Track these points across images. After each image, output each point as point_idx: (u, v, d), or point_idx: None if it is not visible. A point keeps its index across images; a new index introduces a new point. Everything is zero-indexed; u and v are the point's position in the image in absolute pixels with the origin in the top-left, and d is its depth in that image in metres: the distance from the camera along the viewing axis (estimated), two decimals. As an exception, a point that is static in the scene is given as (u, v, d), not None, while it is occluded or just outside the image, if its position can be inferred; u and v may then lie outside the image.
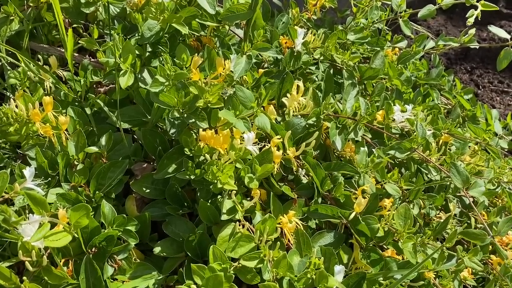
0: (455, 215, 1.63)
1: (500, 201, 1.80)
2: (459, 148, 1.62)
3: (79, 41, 1.46)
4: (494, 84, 3.16)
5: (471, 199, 1.72)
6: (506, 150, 2.09)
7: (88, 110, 1.39)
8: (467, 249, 1.38)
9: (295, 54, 1.49)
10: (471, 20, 1.43)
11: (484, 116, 2.21)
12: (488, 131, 1.97)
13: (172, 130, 1.21)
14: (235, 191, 1.15)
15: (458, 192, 1.69)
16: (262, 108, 1.30)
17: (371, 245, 1.27)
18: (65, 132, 1.23)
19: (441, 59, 3.29)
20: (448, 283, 1.30)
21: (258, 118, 1.17)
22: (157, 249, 1.17)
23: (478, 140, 1.52)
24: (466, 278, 1.41)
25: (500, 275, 1.41)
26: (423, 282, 1.28)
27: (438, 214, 1.58)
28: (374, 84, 1.72)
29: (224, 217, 1.14)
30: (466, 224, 1.61)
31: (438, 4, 1.59)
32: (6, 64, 1.36)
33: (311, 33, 1.52)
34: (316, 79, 1.70)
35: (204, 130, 1.20)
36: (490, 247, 1.50)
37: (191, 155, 1.21)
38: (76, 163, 1.23)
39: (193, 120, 1.18)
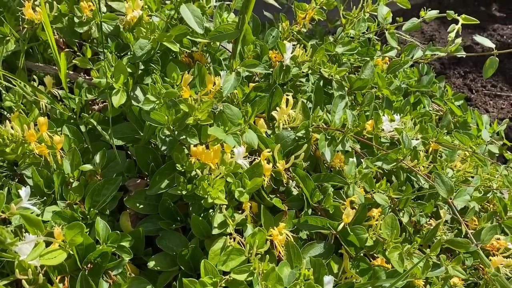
0: (446, 221, 1.66)
1: (491, 206, 1.83)
2: (448, 156, 1.65)
3: (73, 61, 1.50)
4: (487, 88, 3.19)
5: (462, 205, 1.76)
6: (497, 154, 2.12)
7: (83, 128, 1.43)
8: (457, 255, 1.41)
9: (284, 68, 1.53)
10: (452, 35, 1.47)
11: (475, 122, 2.24)
12: (479, 137, 1.99)
13: (164, 147, 1.24)
14: (225, 206, 1.19)
15: (450, 198, 1.72)
16: (252, 123, 1.33)
17: (361, 254, 1.30)
18: (60, 151, 1.27)
19: (434, 64, 3.34)
20: (438, 289, 1.33)
21: (246, 134, 1.21)
22: (151, 264, 1.20)
23: (465, 148, 1.55)
24: (456, 284, 1.44)
25: (491, 280, 1.44)
26: (412, 289, 1.31)
27: (429, 221, 1.60)
28: (364, 94, 1.75)
29: (215, 231, 1.17)
30: (456, 230, 1.64)
31: (422, 17, 1.62)
32: (1, 88, 1.40)
33: (299, 47, 1.56)
34: (307, 90, 1.73)
35: (195, 146, 1.23)
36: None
37: (182, 170, 1.24)
38: (71, 181, 1.26)
39: (184, 136, 1.22)
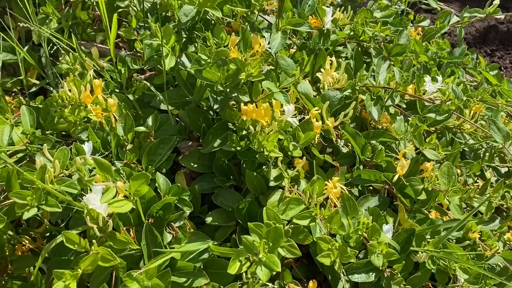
0: (491, 183, 1.65)
1: (535, 169, 1.81)
2: (492, 116, 1.63)
3: (118, 32, 1.53)
4: (516, 64, 3.15)
5: (506, 169, 1.74)
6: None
7: (131, 97, 1.45)
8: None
9: (325, 32, 1.54)
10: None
11: None
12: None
13: (216, 106, 1.26)
14: (281, 159, 1.19)
15: (493, 162, 1.71)
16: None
17: (416, 207, 1.29)
18: (114, 114, 1.29)
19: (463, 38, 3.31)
20: (494, 242, 1.31)
21: (300, 85, 1.21)
22: (209, 219, 1.21)
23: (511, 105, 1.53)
24: (510, 239, 1.42)
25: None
26: (468, 242, 1.30)
27: (476, 181, 1.59)
28: (402, 61, 1.75)
29: (272, 183, 1.18)
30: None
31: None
32: (61, 50, 1.44)
33: (340, 11, 1.56)
34: (344, 59, 1.74)
35: (245, 104, 1.24)
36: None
37: (235, 129, 1.25)
38: (126, 143, 1.28)
39: (236, 94, 1.23)
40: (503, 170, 1.73)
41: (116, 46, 1.83)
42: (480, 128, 1.40)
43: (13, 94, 1.76)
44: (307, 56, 1.50)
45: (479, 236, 1.32)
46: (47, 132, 1.44)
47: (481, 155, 1.66)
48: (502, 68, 3.13)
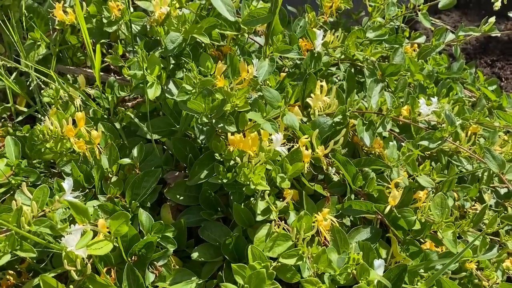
0: (490, 206, 1.60)
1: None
2: (489, 138, 1.59)
3: (104, 59, 1.51)
4: (517, 75, 3.11)
5: (506, 190, 1.69)
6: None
7: (117, 125, 1.42)
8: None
9: (316, 55, 1.50)
10: (497, 4, 1.42)
11: (511, 106, 2.18)
12: (518, 119, 1.93)
13: (202, 137, 1.23)
14: (268, 192, 1.16)
15: (492, 183, 1.66)
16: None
17: (409, 238, 1.25)
18: (98, 146, 1.26)
19: (460, 53, 3.27)
20: (491, 273, 1.27)
21: (286, 116, 1.18)
22: (195, 255, 1.18)
23: (509, 127, 1.49)
24: (509, 268, 1.37)
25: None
26: (465, 273, 1.25)
27: (473, 205, 1.55)
28: (396, 81, 1.71)
29: (259, 218, 1.15)
30: (503, 214, 1.58)
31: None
32: (41, 84, 1.42)
33: (331, 33, 1.53)
34: (337, 80, 1.71)
35: (232, 134, 1.21)
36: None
37: (221, 159, 1.22)
38: (110, 175, 1.25)
39: (222, 124, 1.20)
40: (503, 190, 1.68)
41: (107, 70, 1.81)
42: (475, 153, 1.36)
43: (2, 120, 1.74)
44: (298, 80, 1.48)
45: (476, 266, 1.28)
46: (34, 161, 1.42)
47: (479, 176, 1.62)
48: (503, 78, 3.09)
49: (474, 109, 2.12)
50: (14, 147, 1.31)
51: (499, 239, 1.28)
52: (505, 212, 1.56)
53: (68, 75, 1.58)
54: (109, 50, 1.77)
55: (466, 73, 2.24)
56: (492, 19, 1.61)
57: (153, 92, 1.26)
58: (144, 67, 1.26)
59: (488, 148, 1.21)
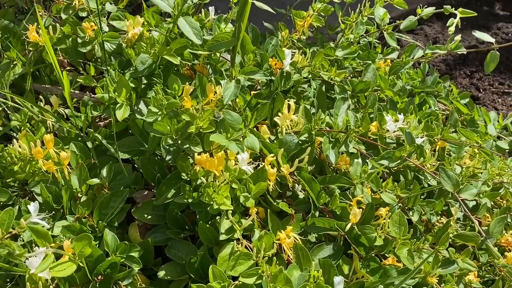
0: (458, 219, 1.64)
1: (505, 202, 1.81)
2: (456, 153, 1.63)
3: (78, 79, 1.54)
4: (494, 86, 3.16)
5: (474, 202, 1.73)
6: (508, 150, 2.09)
7: (89, 144, 1.45)
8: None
9: (285, 74, 1.54)
10: (451, 29, 1.47)
11: (483, 119, 2.23)
12: (486, 133, 1.98)
13: (168, 157, 1.26)
14: (231, 211, 1.19)
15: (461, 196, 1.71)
16: (254, 128, 1.35)
17: (372, 254, 1.29)
18: (67, 167, 1.29)
19: (439, 65, 3.33)
20: (452, 287, 1.31)
21: (247, 138, 1.22)
22: (161, 273, 1.20)
23: (471, 143, 1.53)
24: (471, 281, 1.41)
25: (508, 276, 1.41)
26: (426, 287, 1.29)
27: (440, 219, 1.59)
28: (366, 97, 1.75)
29: (222, 237, 1.17)
30: (469, 227, 1.62)
31: (419, 14, 1.63)
32: (7, 109, 1.44)
33: (298, 53, 1.57)
34: (310, 95, 1.74)
35: (199, 154, 1.24)
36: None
37: (188, 179, 1.25)
38: (79, 195, 1.28)
39: (187, 145, 1.23)
40: (471, 203, 1.72)
41: (83, 88, 1.84)
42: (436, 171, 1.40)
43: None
44: (267, 99, 1.51)
45: (437, 280, 1.31)
46: (7, 180, 1.44)
47: (446, 190, 1.65)
48: (481, 89, 3.14)
49: (447, 122, 2.17)
50: (-13, 167, 1.33)
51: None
52: (472, 225, 1.60)
53: (41, 96, 1.60)
54: (85, 70, 1.80)
55: (440, 86, 2.29)
56: (458, 37, 1.65)
57: (121, 114, 1.29)
58: (112, 90, 1.29)
59: (443, 168, 1.25)
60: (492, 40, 1.59)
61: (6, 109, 1.68)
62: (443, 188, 1.62)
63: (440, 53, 1.69)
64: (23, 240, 1.13)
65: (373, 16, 1.85)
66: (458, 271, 1.38)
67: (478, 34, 1.59)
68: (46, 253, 0.96)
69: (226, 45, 1.34)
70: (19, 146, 1.21)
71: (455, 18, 1.52)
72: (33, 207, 1.09)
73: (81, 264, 1.06)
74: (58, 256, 1.04)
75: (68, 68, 1.74)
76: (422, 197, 1.54)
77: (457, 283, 1.35)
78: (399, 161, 1.32)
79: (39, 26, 1.62)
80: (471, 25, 3.58)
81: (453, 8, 1.66)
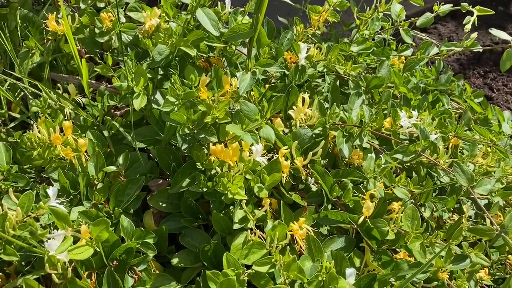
0: (470, 217, 1.64)
1: (517, 201, 1.80)
2: (469, 150, 1.63)
3: (95, 69, 1.56)
4: (508, 86, 3.15)
5: (486, 201, 1.73)
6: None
7: (106, 133, 1.47)
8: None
9: (300, 68, 1.55)
10: (468, 27, 1.47)
11: (496, 118, 2.22)
12: (500, 133, 1.97)
13: (184, 146, 1.27)
14: (245, 201, 1.21)
15: (472, 194, 1.70)
16: (269, 120, 1.36)
17: (383, 248, 1.29)
18: (85, 154, 1.31)
19: (452, 65, 3.32)
20: (463, 283, 1.31)
21: (263, 129, 1.23)
22: (175, 260, 1.22)
23: (485, 141, 1.53)
24: (482, 278, 1.41)
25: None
26: (437, 283, 1.29)
27: (452, 216, 1.59)
28: (380, 93, 1.76)
29: (236, 226, 1.19)
30: (481, 225, 1.61)
31: (435, 11, 1.63)
32: (28, 94, 1.46)
33: (314, 47, 1.58)
34: (323, 91, 1.75)
35: (214, 144, 1.26)
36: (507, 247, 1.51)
37: (203, 169, 1.27)
38: (96, 182, 1.30)
39: (203, 135, 1.25)
40: (483, 202, 1.72)
41: (99, 78, 1.86)
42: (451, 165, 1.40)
43: (-3, 125, 1.79)
44: (281, 92, 1.52)
45: (448, 276, 1.31)
46: (25, 167, 1.47)
47: (458, 188, 1.65)
48: (495, 90, 3.13)
49: (460, 120, 2.17)
50: (6, 152, 1.36)
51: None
52: (484, 223, 1.60)
53: (59, 84, 1.63)
54: (102, 59, 1.82)
55: (454, 85, 2.28)
56: (474, 35, 1.65)
57: (138, 103, 1.31)
58: (130, 79, 1.31)
59: (458, 163, 1.25)
60: (509, 38, 1.59)
61: (24, 97, 1.71)
62: (455, 185, 1.63)
63: (455, 51, 1.69)
64: (41, 225, 1.15)
65: (388, 13, 1.85)
66: (469, 268, 1.39)
67: (495, 31, 1.58)
68: (65, 235, 0.98)
69: (244, 36, 1.35)
70: (39, 132, 1.23)
71: (471, 16, 1.51)
72: (52, 191, 1.11)
73: (97, 249, 1.07)
74: (75, 241, 1.06)
75: (85, 57, 1.76)
76: (434, 194, 1.54)
77: (468, 280, 1.35)
78: (413, 155, 1.32)
79: (58, 16, 1.65)
80: (486, 25, 3.55)
81: (470, 6, 1.66)
